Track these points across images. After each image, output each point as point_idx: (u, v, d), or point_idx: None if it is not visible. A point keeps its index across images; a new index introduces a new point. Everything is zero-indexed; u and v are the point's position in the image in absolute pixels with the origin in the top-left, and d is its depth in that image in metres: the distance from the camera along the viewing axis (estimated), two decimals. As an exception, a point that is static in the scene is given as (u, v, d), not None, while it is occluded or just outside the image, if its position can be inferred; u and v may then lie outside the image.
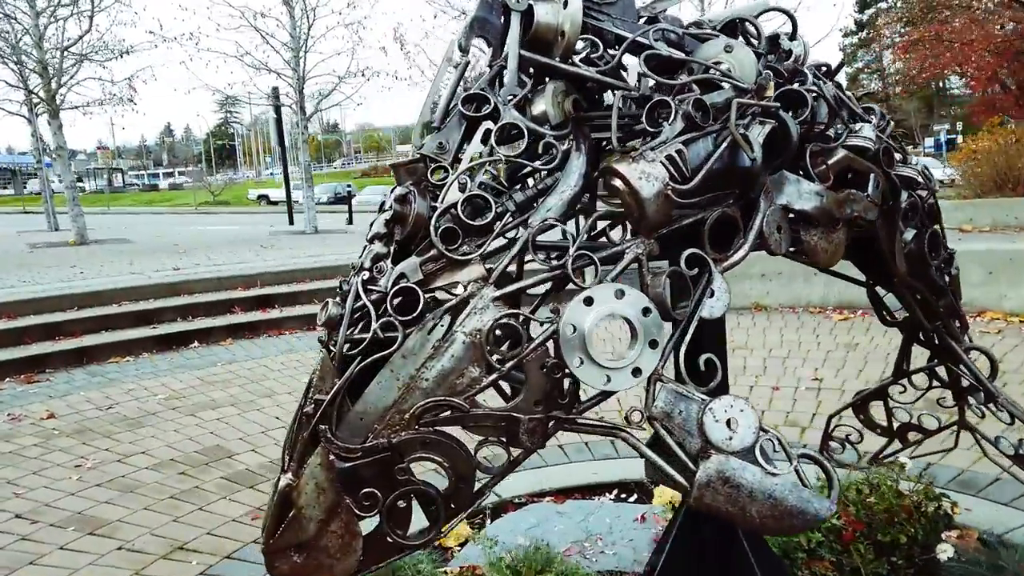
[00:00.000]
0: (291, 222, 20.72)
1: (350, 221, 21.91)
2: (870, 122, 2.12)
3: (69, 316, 7.52)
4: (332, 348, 1.71)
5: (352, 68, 17.35)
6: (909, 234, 2.29)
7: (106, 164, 68.36)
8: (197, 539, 3.29)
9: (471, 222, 1.66)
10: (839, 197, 1.98)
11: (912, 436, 2.86)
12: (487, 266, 1.70)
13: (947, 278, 2.49)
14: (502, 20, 1.83)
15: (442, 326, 1.64)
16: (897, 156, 2.20)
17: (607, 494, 3.60)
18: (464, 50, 1.82)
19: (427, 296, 1.67)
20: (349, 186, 28.09)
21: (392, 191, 1.79)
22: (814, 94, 1.92)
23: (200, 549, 3.21)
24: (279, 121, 21.76)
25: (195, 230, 20.55)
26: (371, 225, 1.78)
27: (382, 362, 1.68)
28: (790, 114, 1.87)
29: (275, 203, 41.03)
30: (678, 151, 1.68)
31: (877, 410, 2.85)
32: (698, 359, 1.74)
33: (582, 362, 1.62)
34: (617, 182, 1.68)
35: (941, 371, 2.69)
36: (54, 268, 10.68)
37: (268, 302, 8.46)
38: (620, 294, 1.65)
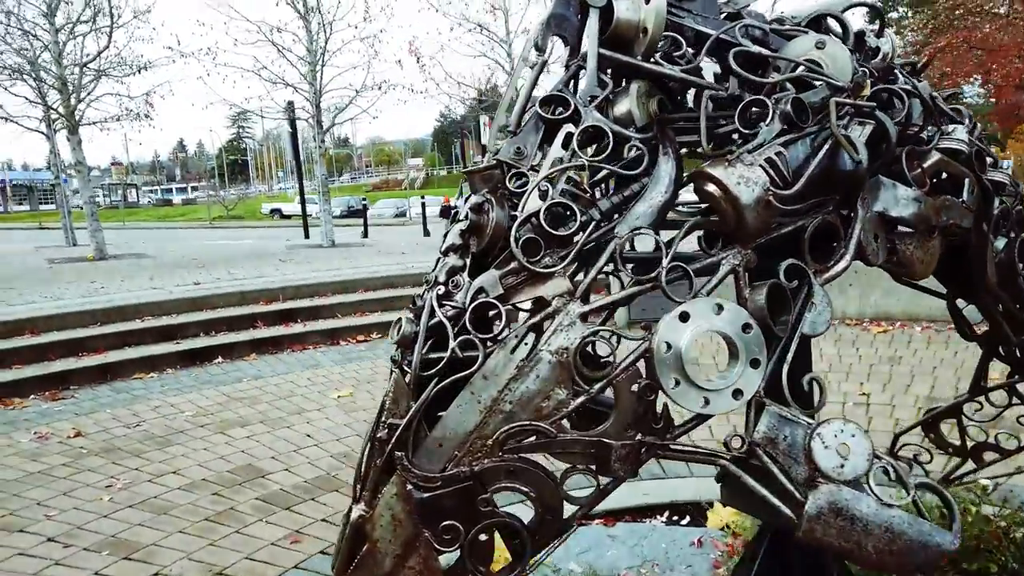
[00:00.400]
0: (307, 236, 20.72)
1: (365, 234, 21.91)
2: (962, 123, 2.00)
3: (92, 332, 7.45)
4: (406, 368, 1.59)
5: (368, 81, 17.24)
6: (1000, 242, 2.16)
7: (120, 180, 68.90)
8: (236, 564, 3.18)
9: (554, 232, 1.54)
10: (936, 203, 1.86)
11: (988, 456, 2.71)
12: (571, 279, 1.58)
13: (1033, 289, 2.36)
14: (579, 17, 1.73)
15: (526, 344, 1.53)
16: (988, 160, 2.08)
17: (659, 516, 3.46)
18: (541, 49, 1.71)
19: (508, 312, 1.56)
20: (364, 199, 28.06)
21: (467, 199, 1.68)
22: (909, 93, 1.80)
23: (239, 575, 3.09)
24: (294, 135, 21.80)
25: (212, 244, 20.59)
26: (444, 236, 1.67)
27: (461, 383, 1.57)
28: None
29: (287, 217, 41.11)
30: (778, 154, 1.56)
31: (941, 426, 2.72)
32: (800, 380, 1.62)
33: (678, 383, 1.49)
34: (712, 188, 1.57)
35: (1021, 387, 2.56)
36: (74, 283, 10.66)
37: (291, 316, 8.38)
38: (718, 309, 1.52)
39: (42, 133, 18.35)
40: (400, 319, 1.61)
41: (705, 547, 3.06)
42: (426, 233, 22.25)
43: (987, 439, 2.70)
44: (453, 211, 1.72)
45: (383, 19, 28.51)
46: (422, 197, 26.24)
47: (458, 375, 1.57)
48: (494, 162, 1.63)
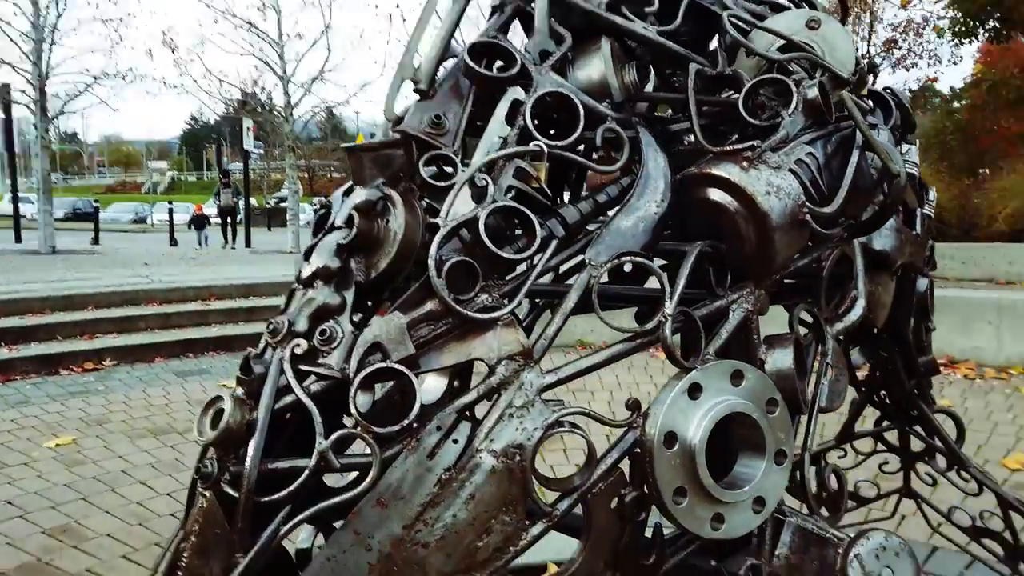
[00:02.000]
0: (18, 239, 17.54)
1: (96, 241, 19.20)
2: (914, 143, 1.73)
3: None
4: (228, 489, 0.89)
5: (110, 68, 14.96)
6: (923, 283, 1.93)
7: None
8: None
9: (498, 253, 0.94)
10: (907, 236, 1.54)
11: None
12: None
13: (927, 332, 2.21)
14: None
15: (455, 441, 0.91)
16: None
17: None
18: (467, -32, 1.10)
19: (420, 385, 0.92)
20: (95, 201, 24.55)
21: (345, 193, 1.01)
22: (896, 100, 1.47)
23: None
24: (8, 122, 18.39)
25: None
26: (306, 253, 0.98)
27: (335, 516, 0.90)
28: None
29: (-6, 217, 35.34)
30: (808, 155, 1.10)
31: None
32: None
33: (683, 494, 0.96)
34: (722, 196, 1.06)
35: (888, 435, 2.46)
36: None
37: (-8, 339, 6.65)
38: (737, 378, 1.02)
39: None
40: (219, 399, 0.90)
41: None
42: (173, 242, 20.10)
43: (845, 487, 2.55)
44: (319, 212, 1.03)
45: (132, 1, 24.89)
46: (170, 202, 23.52)
47: (330, 501, 0.90)
48: (395, 136, 0.98)
